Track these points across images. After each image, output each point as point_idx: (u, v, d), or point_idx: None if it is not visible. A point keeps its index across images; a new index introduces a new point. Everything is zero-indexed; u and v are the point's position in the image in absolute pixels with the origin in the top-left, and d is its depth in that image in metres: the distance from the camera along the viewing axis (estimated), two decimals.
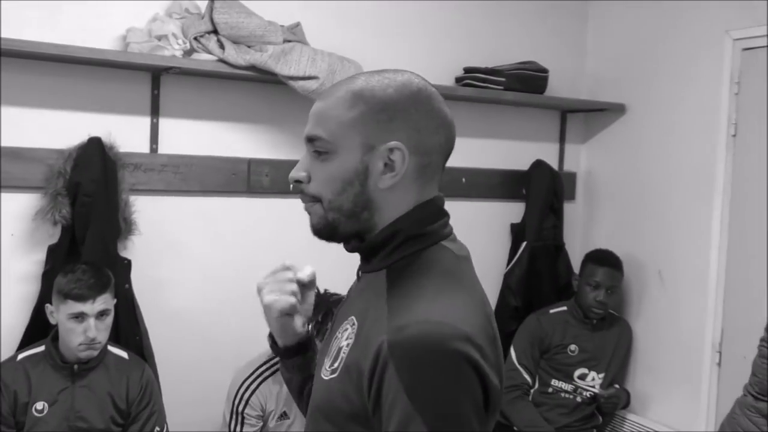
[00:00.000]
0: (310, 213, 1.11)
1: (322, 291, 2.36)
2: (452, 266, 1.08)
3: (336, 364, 1.05)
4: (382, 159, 1.05)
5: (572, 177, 3.62)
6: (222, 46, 2.50)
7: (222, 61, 2.50)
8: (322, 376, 1.08)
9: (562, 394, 3.17)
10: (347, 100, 1.06)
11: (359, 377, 0.99)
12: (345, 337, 1.07)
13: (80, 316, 2.17)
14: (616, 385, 3.24)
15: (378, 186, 1.07)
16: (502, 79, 3.11)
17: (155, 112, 2.60)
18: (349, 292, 1.27)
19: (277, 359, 2.45)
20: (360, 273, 1.17)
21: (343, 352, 1.04)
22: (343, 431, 1.03)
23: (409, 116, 1.06)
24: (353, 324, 1.07)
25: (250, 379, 2.46)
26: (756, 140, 2.90)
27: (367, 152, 1.06)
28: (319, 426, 1.08)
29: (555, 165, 3.51)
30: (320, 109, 1.09)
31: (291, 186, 1.12)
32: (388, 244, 1.09)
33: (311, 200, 1.10)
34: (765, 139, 2.86)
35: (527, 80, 3.19)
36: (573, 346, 3.18)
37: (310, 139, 1.09)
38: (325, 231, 1.11)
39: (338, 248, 1.19)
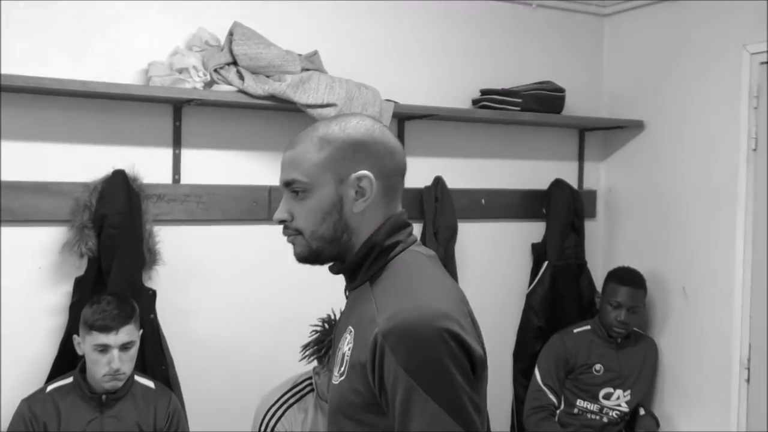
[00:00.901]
0: (294, 244, 1.29)
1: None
2: (423, 263, 1.27)
3: (342, 368, 1.21)
4: (352, 188, 1.24)
5: (592, 195, 3.62)
6: (241, 77, 2.54)
7: (242, 91, 2.54)
8: (334, 382, 1.24)
9: (588, 415, 3.14)
10: (315, 145, 1.25)
11: (363, 370, 1.16)
12: (346, 344, 1.23)
13: (104, 348, 2.20)
14: (642, 410, 3.21)
15: (353, 211, 1.25)
16: (519, 100, 3.12)
17: (177, 143, 2.65)
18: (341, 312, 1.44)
19: (301, 386, 2.49)
20: (347, 292, 1.34)
21: (347, 356, 1.21)
22: (360, 422, 1.19)
23: (368, 148, 1.25)
24: (351, 332, 1.23)
25: (276, 407, 2.46)
26: None
27: (340, 184, 1.24)
28: (339, 425, 1.23)
29: (574, 183, 3.50)
30: (291, 157, 1.27)
31: (282, 228, 1.29)
32: (367, 259, 1.26)
33: (295, 233, 1.27)
34: None
35: (544, 100, 3.20)
36: (598, 366, 3.16)
37: (288, 183, 1.27)
38: (310, 257, 1.28)
39: None
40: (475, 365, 1.15)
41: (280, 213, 1.28)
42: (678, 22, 3.24)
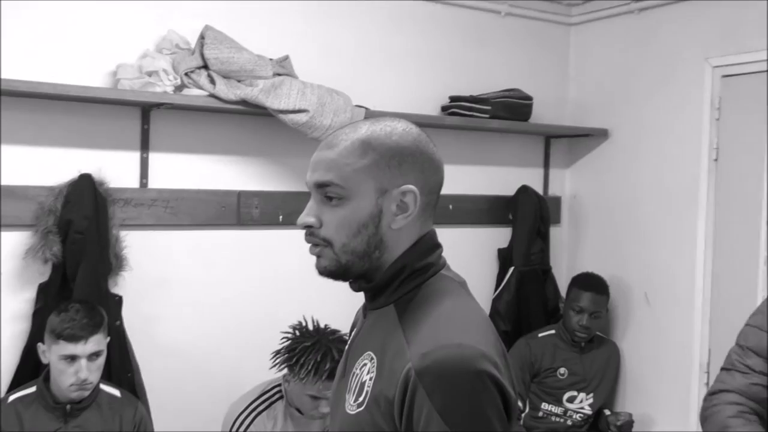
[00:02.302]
0: (320, 256, 1.16)
1: (322, 326, 2.36)
2: (456, 292, 1.17)
3: (362, 398, 1.10)
4: (394, 201, 1.13)
5: (557, 201, 3.67)
6: (213, 81, 2.51)
7: (213, 96, 2.51)
8: (348, 411, 1.13)
9: (553, 418, 3.19)
10: (357, 148, 1.13)
11: (388, 406, 1.05)
12: (366, 372, 1.12)
13: (72, 358, 2.15)
14: (608, 412, 3.27)
15: (391, 227, 1.14)
16: (488, 107, 3.15)
17: (145, 147, 2.60)
18: (353, 329, 1.32)
19: (270, 393, 2.47)
20: (366, 311, 1.23)
21: (368, 386, 1.10)
22: None
23: (415, 160, 1.14)
24: (371, 359, 1.13)
25: (245, 414, 2.44)
26: (737, 165, 2.96)
27: (381, 196, 1.12)
28: None
29: (540, 190, 3.55)
30: (330, 158, 1.14)
31: (304, 233, 1.16)
32: (396, 280, 1.16)
33: (322, 243, 1.15)
34: (746, 163, 2.92)
35: (512, 108, 3.23)
36: (563, 370, 3.21)
37: (321, 185, 1.14)
38: (337, 272, 1.16)
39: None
40: (509, 410, 1.07)
41: (307, 217, 1.15)
42: (643, 33, 3.31)
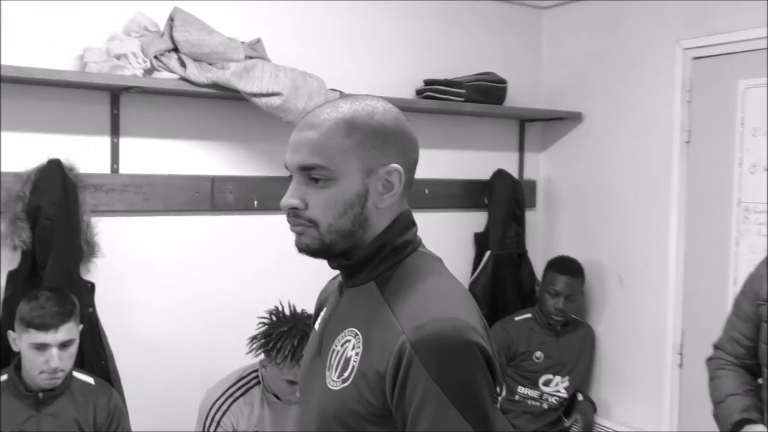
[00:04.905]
0: (302, 234, 1.16)
1: (299, 311, 2.35)
2: (437, 268, 1.20)
3: (347, 374, 1.12)
4: (380, 181, 1.14)
5: (532, 185, 3.68)
6: (183, 64, 2.47)
7: (184, 79, 2.47)
8: (331, 387, 1.14)
9: (529, 401, 3.21)
10: (342, 128, 1.13)
11: (378, 380, 1.07)
12: (351, 347, 1.13)
13: (42, 346, 2.11)
14: (580, 396, 3.30)
15: (377, 206, 1.15)
16: (463, 91, 3.15)
17: (115, 131, 2.56)
18: (325, 306, 1.32)
19: (247, 378, 2.45)
20: (343, 288, 1.23)
21: (354, 361, 1.11)
22: None
23: (397, 139, 1.16)
24: (356, 335, 1.14)
25: (221, 400, 2.42)
26: (708, 146, 2.99)
27: (367, 176, 1.14)
28: None
29: (515, 174, 3.56)
30: (313, 139, 1.13)
31: (287, 214, 1.15)
32: (375, 258, 1.17)
33: (307, 224, 1.15)
34: (717, 145, 2.95)
35: (487, 91, 3.23)
36: (538, 353, 3.22)
37: (306, 168, 1.13)
38: (319, 251, 1.16)
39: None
40: (495, 380, 1.11)
41: (291, 198, 1.14)
42: (614, 16, 3.32)
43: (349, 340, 1.15)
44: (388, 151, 1.14)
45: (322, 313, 1.31)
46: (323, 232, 1.14)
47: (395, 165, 1.14)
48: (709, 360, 2.12)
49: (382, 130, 1.14)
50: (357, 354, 1.12)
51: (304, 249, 1.16)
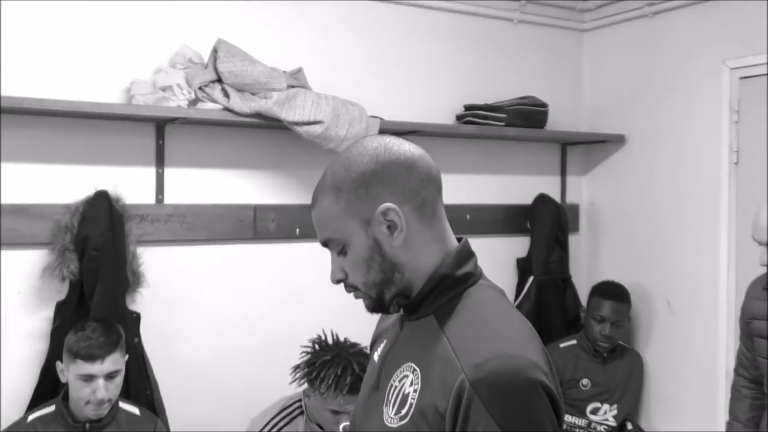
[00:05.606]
0: (359, 299, 1.22)
1: (342, 339, 2.33)
2: (499, 301, 1.18)
3: (404, 410, 1.10)
4: (382, 225, 1.14)
5: (575, 209, 3.63)
6: (227, 95, 2.50)
7: (227, 109, 2.50)
8: (388, 424, 1.12)
9: (576, 430, 3.14)
10: (330, 196, 1.16)
11: (437, 418, 1.05)
12: (409, 383, 1.12)
13: (89, 377, 2.13)
14: (629, 425, 3.21)
15: (393, 246, 1.15)
16: (503, 115, 3.13)
17: (160, 162, 2.59)
18: (377, 341, 1.33)
19: (291, 408, 2.44)
20: (403, 322, 1.23)
21: (412, 398, 1.10)
22: None
23: (379, 177, 1.14)
24: (414, 370, 1.12)
25: (266, 430, 2.41)
26: (758, 167, 2.91)
27: (368, 227, 1.14)
28: None
29: (557, 198, 3.51)
30: (316, 217, 1.20)
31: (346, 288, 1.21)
32: (434, 291, 1.16)
33: (354, 290, 1.20)
34: (766, 165, 2.87)
35: (528, 115, 3.20)
36: (585, 381, 3.16)
37: (325, 244, 1.20)
38: (375, 307, 1.21)
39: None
40: (559, 418, 1.08)
41: (335, 273, 1.20)
42: (657, 37, 3.28)
43: (407, 376, 1.13)
44: (374, 195, 1.14)
45: (381, 345, 1.30)
46: (366, 292, 1.18)
47: (385, 204, 1.13)
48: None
49: (361, 179, 1.14)
50: (415, 391, 1.10)
51: (369, 311, 1.22)
